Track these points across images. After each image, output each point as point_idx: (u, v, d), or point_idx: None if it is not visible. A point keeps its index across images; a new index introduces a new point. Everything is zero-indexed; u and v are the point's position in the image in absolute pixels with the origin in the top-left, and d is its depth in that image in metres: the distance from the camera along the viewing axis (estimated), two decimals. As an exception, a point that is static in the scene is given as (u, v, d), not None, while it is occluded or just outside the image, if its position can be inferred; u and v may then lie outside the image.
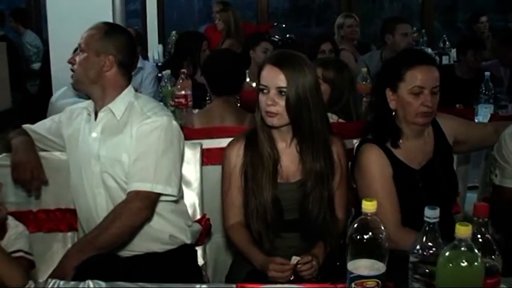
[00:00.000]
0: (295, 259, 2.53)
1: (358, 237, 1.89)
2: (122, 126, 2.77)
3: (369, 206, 1.89)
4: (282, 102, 2.63)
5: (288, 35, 7.38)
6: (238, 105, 4.03)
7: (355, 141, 3.14)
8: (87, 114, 2.88)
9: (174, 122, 2.81)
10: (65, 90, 4.16)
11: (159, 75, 5.25)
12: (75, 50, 3.28)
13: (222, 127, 3.61)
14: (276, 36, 7.13)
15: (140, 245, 2.78)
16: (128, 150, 2.73)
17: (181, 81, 4.54)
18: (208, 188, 3.16)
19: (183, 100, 4.34)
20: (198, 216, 3.09)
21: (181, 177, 2.87)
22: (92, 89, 2.80)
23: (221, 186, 2.88)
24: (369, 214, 1.89)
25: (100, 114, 2.80)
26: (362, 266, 1.89)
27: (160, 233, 2.82)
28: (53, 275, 2.51)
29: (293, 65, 2.64)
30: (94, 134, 2.80)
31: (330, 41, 5.55)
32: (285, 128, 2.72)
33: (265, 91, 2.66)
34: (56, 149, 2.98)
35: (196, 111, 4.38)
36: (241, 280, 2.59)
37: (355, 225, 1.91)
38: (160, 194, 2.71)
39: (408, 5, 10.53)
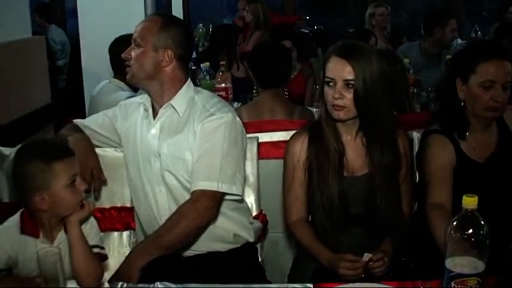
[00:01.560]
0: (367, 256, 2.42)
1: (459, 234, 1.79)
2: (184, 123, 2.64)
3: (470, 202, 1.78)
4: (349, 95, 2.51)
5: (316, 27, 7.22)
6: (286, 97, 3.90)
7: (415, 133, 3.02)
8: (144, 110, 2.74)
9: (238, 119, 2.68)
10: (105, 83, 4.05)
11: (193, 68, 5.10)
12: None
13: (273, 120, 3.52)
14: (304, 29, 6.99)
15: (204, 244, 2.66)
16: (191, 148, 2.60)
17: (220, 73, 4.42)
18: (261, 183, 3.04)
19: (223, 93, 4.26)
20: (255, 213, 2.98)
21: (245, 176, 2.74)
22: (150, 85, 2.66)
23: (283, 181, 2.77)
24: (469, 210, 1.78)
25: (161, 111, 2.67)
26: (462, 264, 1.80)
27: (225, 232, 2.71)
28: (117, 277, 2.41)
29: (360, 56, 2.51)
30: (153, 131, 2.67)
31: (373, 34, 5.40)
32: (350, 121, 2.60)
33: (331, 84, 2.54)
34: (108, 145, 2.86)
35: (236, 104, 4.26)
36: (308, 278, 2.50)
37: (455, 222, 1.80)
38: (225, 193, 2.59)
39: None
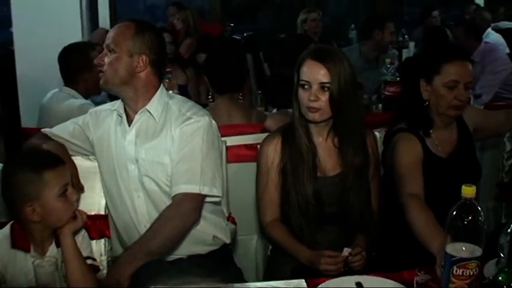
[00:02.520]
0: (346, 251, 2.55)
1: (459, 221, 1.90)
2: (160, 128, 2.68)
3: (468, 191, 1.90)
4: (324, 98, 2.62)
5: (245, 34, 7.34)
6: (241, 102, 3.99)
7: (376, 132, 3.16)
8: (117, 116, 2.76)
9: (213, 122, 2.73)
10: (56, 92, 4.02)
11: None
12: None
13: (232, 125, 3.58)
14: (235, 35, 7.11)
15: (185, 248, 2.69)
16: (169, 152, 2.64)
17: (167, 81, 4.47)
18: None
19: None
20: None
21: (223, 177, 2.80)
22: (124, 90, 2.68)
23: (257, 184, 2.85)
24: (468, 199, 1.90)
25: (136, 116, 2.69)
26: (461, 250, 1.90)
27: (205, 235, 2.75)
28: (106, 285, 2.42)
29: (334, 59, 2.63)
30: (129, 137, 2.69)
31: (313, 40, 5.52)
32: (323, 122, 2.70)
33: (306, 87, 2.64)
34: (80, 153, 2.84)
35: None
36: (286, 277, 2.53)
37: (455, 211, 1.92)
38: (206, 196, 2.64)
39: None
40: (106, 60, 2.64)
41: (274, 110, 4.40)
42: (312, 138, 2.74)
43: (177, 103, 2.74)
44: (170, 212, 2.57)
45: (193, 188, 2.59)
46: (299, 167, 2.71)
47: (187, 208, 2.58)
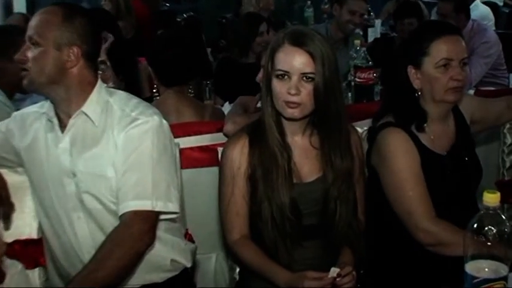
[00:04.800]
0: (334, 271, 2.41)
1: (480, 235, 1.81)
2: (100, 133, 2.51)
3: (492, 199, 1.80)
4: (306, 90, 2.46)
5: (185, 15, 7.18)
6: (192, 95, 3.86)
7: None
8: (47, 121, 2.58)
9: (164, 121, 2.57)
10: None
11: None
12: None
13: (181, 123, 3.43)
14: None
15: (138, 277, 2.54)
16: (113, 163, 2.48)
17: (100, 73, 4.28)
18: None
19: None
20: (181, 232, 2.90)
21: (179, 188, 2.64)
22: (53, 90, 2.50)
23: (220, 195, 2.70)
24: (491, 208, 1.80)
25: (71, 121, 2.52)
26: (484, 268, 1.82)
27: (161, 259, 2.61)
28: None
29: (317, 43, 2.47)
30: (63, 145, 2.52)
31: (265, 20, 5.41)
32: (298, 120, 2.57)
33: (284, 77, 2.48)
34: (4, 166, 2.68)
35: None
36: None
37: (475, 223, 1.82)
38: (160, 213, 2.48)
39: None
40: (29, 55, 2.47)
41: (226, 104, 4.29)
42: (285, 137, 2.60)
43: (119, 101, 2.58)
44: (119, 235, 2.39)
45: (145, 205, 2.42)
46: (272, 172, 2.56)
47: (138, 229, 2.40)
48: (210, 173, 3.40)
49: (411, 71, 2.77)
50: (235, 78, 4.96)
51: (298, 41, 2.47)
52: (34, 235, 2.71)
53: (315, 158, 2.63)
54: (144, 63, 5.28)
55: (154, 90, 3.86)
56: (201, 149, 3.35)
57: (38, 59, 2.46)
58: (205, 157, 3.33)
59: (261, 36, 5.22)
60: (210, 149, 3.36)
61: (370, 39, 6.32)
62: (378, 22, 6.57)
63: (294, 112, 2.49)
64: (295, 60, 2.46)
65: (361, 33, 6.25)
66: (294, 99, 2.46)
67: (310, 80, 2.46)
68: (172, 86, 3.62)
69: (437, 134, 2.82)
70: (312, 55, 2.45)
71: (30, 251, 2.71)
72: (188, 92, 3.78)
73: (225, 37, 6.15)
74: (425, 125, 2.78)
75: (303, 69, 2.46)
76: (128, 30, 6.16)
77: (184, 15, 7.14)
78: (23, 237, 2.69)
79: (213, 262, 3.37)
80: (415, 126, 2.77)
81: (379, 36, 6.64)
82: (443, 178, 2.76)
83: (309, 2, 7.25)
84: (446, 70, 2.70)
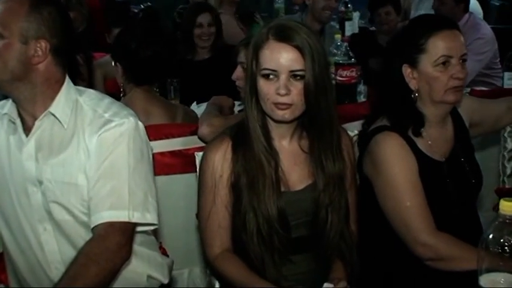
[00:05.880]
0: (328, 285, 2.46)
1: (496, 246, 1.85)
2: (70, 137, 2.49)
3: (509, 207, 1.83)
4: (295, 90, 2.46)
5: (142, 5, 7.17)
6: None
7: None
8: (9, 122, 2.56)
9: (140, 124, 2.55)
10: None
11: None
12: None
13: (151, 126, 3.38)
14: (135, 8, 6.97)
15: None
16: (84, 169, 2.46)
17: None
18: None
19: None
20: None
21: (156, 197, 2.61)
22: (17, 89, 2.47)
23: (200, 205, 2.69)
24: (508, 217, 1.84)
25: (37, 123, 2.49)
26: (499, 282, 1.86)
27: (137, 276, 2.61)
28: None
29: (306, 38, 2.47)
30: (27, 150, 2.50)
31: (209, 11, 5.46)
32: (288, 123, 2.58)
33: (271, 76, 2.48)
34: None
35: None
36: None
37: (491, 234, 1.85)
38: (137, 224, 2.47)
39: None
40: None
41: (194, 105, 4.30)
42: (271, 142, 2.60)
43: (90, 101, 2.56)
44: (94, 249, 2.36)
45: (121, 215, 2.40)
46: (258, 181, 2.55)
47: (115, 242, 2.38)
48: (182, 181, 3.42)
49: (406, 70, 2.78)
50: (205, 76, 5.02)
51: (284, 36, 2.47)
52: (-4, 250, 2.67)
53: (304, 163, 2.64)
54: (99, 59, 5.30)
55: (120, 89, 3.82)
56: (172, 154, 3.36)
57: (1, 52, 2.42)
58: (177, 163, 3.36)
59: (200, 28, 5.30)
60: (182, 154, 3.38)
61: (348, 33, 6.31)
62: (356, 15, 6.58)
63: (285, 114, 2.49)
64: (282, 57, 2.46)
65: (338, 26, 6.32)
66: (284, 100, 2.47)
67: (300, 78, 2.46)
68: (142, 85, 3.64)
69: (435, 139, 2.85)
70: (300, 50, 2.45)
71: (-9, 268, 2.68)
72: (155, 91, 3.77)
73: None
74: (422, 129, 2.81)
75: (292, 66, 2.45)
76: (79, 23, 6.11)
77: (142, 6, 7.11)
78: (-20, 252, 2.67)
79: (185, 278, 3.38)
80: (412, 131, 2.80)
81: (357, 30, 6.67)
82: (442, 186, 2.80)
83: (279, -8, 7.21)
84: (445, 68, 2.73)
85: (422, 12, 6.53)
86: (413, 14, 6.79)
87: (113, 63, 3.89)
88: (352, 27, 6.48)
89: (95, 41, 6.10)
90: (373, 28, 6.48)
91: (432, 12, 5.94)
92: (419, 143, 2.80)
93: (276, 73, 2.47)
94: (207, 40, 5.33)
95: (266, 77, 2.48)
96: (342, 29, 6.33)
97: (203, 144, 3.32)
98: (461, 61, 2.75)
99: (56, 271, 2.49)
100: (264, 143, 2.57)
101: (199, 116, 3.65)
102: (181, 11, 6.52)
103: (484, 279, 1.86)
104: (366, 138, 2.86)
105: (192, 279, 3.41)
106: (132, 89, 3.64)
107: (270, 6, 7.50)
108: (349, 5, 6.49)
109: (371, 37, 6.06)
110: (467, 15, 5.81)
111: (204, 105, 4.13)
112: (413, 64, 2.77)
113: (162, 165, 3.23)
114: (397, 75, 2.81)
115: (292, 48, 2.45)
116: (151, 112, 3.56)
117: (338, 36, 4.50)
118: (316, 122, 2.56)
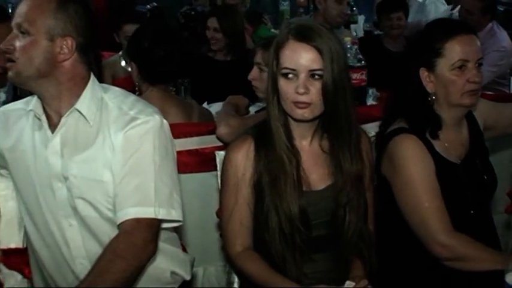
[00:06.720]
0: (350, 284, 2.50)
1: None
2: (95, 133, 2.51)
3: None
4: (314, 89, 2.50)
5: (149, 6, 7.21)
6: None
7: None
8: (34, 118, 2.57)
9: (165, 122, 2.58)
10: None
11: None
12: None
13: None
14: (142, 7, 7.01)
15: None
16: (110, 166, 2.48)
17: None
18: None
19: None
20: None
21: (181, 194, 2.63)
22: (42, 85, 2.49)
23: (222, 203, 2.73)
24: None
25: (62, 119, 2.51)
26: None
27: (160, 272, 2.64)
28: None
29: (326, 39, 2.51)
30: (52, 146, 2.52)
31: (217, 16, 5.46)
32: (309, 121, 2.61)
33: (290, 76, 2.52)
34: None
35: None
36: None
37: None
38: (162, 221, 2.49)
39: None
40: (17, 44, 2.45)
41: (204, 105, 4.32)
42: (293, 142, 2.64)
43: (115, 98, 2.58)
44: (121, 245, 2.38)
45: (147, 212, 2.43)
46: (280, 179, 2.59)
47: (141, 238, 2.41)
48: (197, 179, 3.44)
49: (423, 73, 2.83)
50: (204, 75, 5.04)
51: (304, 36, 2.51)
52: (19, 244, 2.71)
53: (324, 163, 2.68)
54: (107, 58, 5.32)
55: (135, 89, 3.84)
56: (189, 152, 3.38)
57: (27, 49, 2.44)
58: (194, 161, 3.37)
59: (208, 31, 5.37)
60: (199, 153, 3.39)
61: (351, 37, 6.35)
62: (361, 18, 6.61)
63: (304, 113, 2.53)
64: (302, 57, 2.50)
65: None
66: (303, 98, 2.51)
67: (318, 77, 2.50)
68: (157, 84, 3.65)
69: (451, 141, 2.89)
70: (319, 50, 2.49)
71: (14, 262, 2.70)
72: (171, 90, 3.79)
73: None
74: (439, 131, 2.85)
75: (311, 66, 2.50)
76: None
77: (148, 6, 7.15)
78: (4, 246, 2.70)
79: (200, 277, 3.41)
80: (429, 133, 2.83)
81: (362, 33, 6.70)
82: (458, 188, 2.83)
83: (285, -7, 7.24)
84: (462, 72, 2.77)
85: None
86: (413, 18, 6.80)
87: (124, 63, 3.92)
88: (357, 30, 6.48)
89: (102, 40, 6.12)
90: (377, 32, 6.50)
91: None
92: (436, 145, 2.83)
93: (295, 72, 2.51)
94: (215, 44, 5.37)
95: (286, 76, 2.53)
96: (348, 27, 6.34)
97: (220, 144, 3.35)
98: (477, 65, 2.79)
99: (81, 266, 2.52)
100: (286, 141, 2.60)
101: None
102: (187, 12, 6.55)
103: (510, 277, 1.88)
104: (383, 139, 2.90)
105: (207, 277, 3.43)
106: (148, 88, 3.66)
107: (275, 8, 7.51)
108: (354, 8, 6.49)
109: (376, 41, 6.06)
110: (490, 24, 5.79)
111: (215, 105, 4.19)
112: (430, 68, 2.81)
113: (179, 163, 3.19)
114: (414, 78, 2.84)
115: (311, 48, 2.50)
116: (168, 111, 3.56)
117: (348, 39, 4.50)
118: (334, 122, 2.59)
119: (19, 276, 2.25)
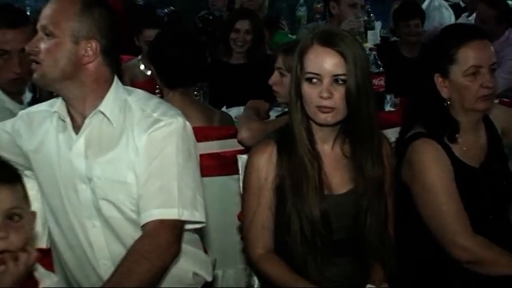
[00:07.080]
0: (370, 287, 2.52)
1: None
2: (119, 135, 2.53)
3: None
4: (338, 94, 2.52)
5: (166, 10, 7.23)
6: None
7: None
8: (59, 120, 2.60)
9: (188, 124, 2.60)
10: None
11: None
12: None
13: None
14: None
15: None
16: (133, 167, 2.50)
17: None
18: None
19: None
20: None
21: (204, 196, 2.65)
22: (66, 87, 2.51)
23: (245, 206, 2.76)
24: None
25: (86, 121, 2.53)
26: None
27: (183, 273, 2.65)
28: None
29: (348, 43, 2.54)
30: (77, 148, 2.54)
31: (249, 18, 5.47)
32: (332, 126, 2.63)
33: (314, 80, 2.54)
34: None
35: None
36: None
37: None
38: (186, 222, 2.51)
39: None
40: (42, 46, 2.47)
41: (224, 109, 4.34)
42: (315, 146, 2.66)
43: (139, 100, 2.60)
44: (145, 246, 2.40)
45: (171, 213, 2.45)
46: (301, 183, 2.61)
47: (164, 240, 2.42)
48: (217, 183, 3.46)
49: (438, 79, 2.84)
50: (221, 79, 5.06)
51: (329, 41, 2.54)
52: (43, 244, 2.72)
53: (345, 168, 2.69)
54: (127, 62, 5.35)
55: (156, 91, 3.87)
56: (210, 156, 3.40)
57: (52, 51, 2.46)
58: (215, 165, 3.39)
59: (236, 33, 5.36)
60: (220, 157, 3.41)
61: (370, 43, 6.36)
62: (378, 24, 6.60)
63: (327, 117, 2.55)
64: (326, 62, 2.53)
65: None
66: (327, 103, 2.53)
67: (342, 82, 2.52)
68: (177, 88, 3.67)
69: (470, 146, 2.90)
70: (343, 56, 2.51)
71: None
72: (194, 94, 3.81)
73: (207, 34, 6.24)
74: (457, 135, 2.86)
75: (335, 70, 2.52)
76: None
77: (165, 10, 7.17)
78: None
79: (219, 280, 3.42)
80: (447, 137, 2.85)
81: (379, 40, 6.71)
82: (477, 192, 2.84)
83: (301, 0, 7.22)
84: (475, 78, 2.78)
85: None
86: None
87: (143, 66, 3.92)
88: (374, 36, 6.48)
89: (121, 43, 6.15)
90: (394, 38, 6.51)
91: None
92: (455, 149, 2.85)
93: (319, 77, 2.53)
94: (242, 46, 5.37)
95: (310, 80, 2.55)
96: (366, 36, 6.33)
97: (241, 147, 3.38)
98: (491, 70, 2.80)
99: (104, 267, 2.54)
100: (308, 145, 2.63)
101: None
102: (205, 16, 6.58)
103: None
104: (403, 145, 2.92)
105: (226, 280, 3.44)
106: (169, 93, 3.68)
107: (291, 14, 7.52)
108: (371, 15, 6.49)
109: (393, 48, 6.06)
110: (506, 33, 5.82)
111: (234, 109, 4.21)
112: (444, 74, 2.83)
113: (200, 167, 3.24)
114: (429, 84, 2.86)
115: (335, 53, 2.52)
116: (189, 115, 3.50)
117: (366, 45, 4.53)
118: (357, 127, 2.61)
119: (55, 278, 2.24)
